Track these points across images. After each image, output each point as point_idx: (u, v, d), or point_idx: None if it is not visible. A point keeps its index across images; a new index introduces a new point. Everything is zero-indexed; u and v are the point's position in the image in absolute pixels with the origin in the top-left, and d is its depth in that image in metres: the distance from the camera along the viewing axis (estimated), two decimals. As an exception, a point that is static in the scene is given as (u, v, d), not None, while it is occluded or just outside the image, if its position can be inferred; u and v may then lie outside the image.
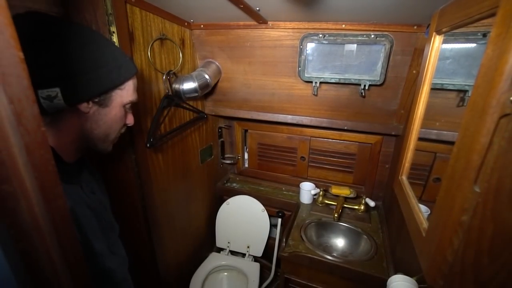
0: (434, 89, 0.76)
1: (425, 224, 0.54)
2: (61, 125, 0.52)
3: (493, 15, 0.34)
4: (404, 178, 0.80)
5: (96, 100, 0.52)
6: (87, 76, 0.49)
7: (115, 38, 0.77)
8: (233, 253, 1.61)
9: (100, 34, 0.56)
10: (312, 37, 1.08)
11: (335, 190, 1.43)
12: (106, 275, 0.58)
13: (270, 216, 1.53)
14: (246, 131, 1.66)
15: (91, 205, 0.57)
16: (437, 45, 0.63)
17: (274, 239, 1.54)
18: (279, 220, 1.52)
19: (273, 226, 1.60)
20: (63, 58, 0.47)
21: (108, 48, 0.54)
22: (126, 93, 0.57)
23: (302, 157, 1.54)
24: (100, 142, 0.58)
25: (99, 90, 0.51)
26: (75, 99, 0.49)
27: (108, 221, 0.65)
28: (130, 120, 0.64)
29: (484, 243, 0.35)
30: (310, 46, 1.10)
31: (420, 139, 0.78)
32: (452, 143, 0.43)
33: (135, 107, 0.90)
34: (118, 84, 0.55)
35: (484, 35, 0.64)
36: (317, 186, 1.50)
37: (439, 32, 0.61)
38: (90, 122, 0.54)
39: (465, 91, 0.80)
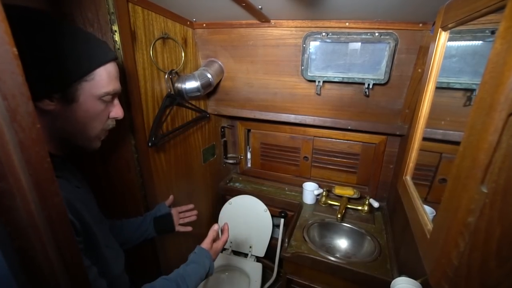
0: (440, 88, 0.74)
1: (429, 226, 0.53)
2: None
3: (501, 8, 0.32)
4: (408, 178, 0.79)
5: (57, 96, 0.47)
6: (37, 71, 0.44)
7: (117, 37, 0.77)
8: (235, 253, 1.60)
9: (62, 22, 0.49)
10: (315, 36, 1.07)
11: (338, 190, 1.42)
12: (104, 267, 0.58)
13: (272, 216, 1.52)
14: (249, 130, 1.65)
15: (81, 199, 0.55)
16: (443, 42, 0.62)
17: (277, 239, 1.53)
18: (282, 220, 1.51)
19: (275, 226, 1.59)
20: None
21: (67, 37, 0.47)
22: (97, 84, 0.50)
23: (305, 157, 1.52)
24: (79, 140, 0.53)
25: (55, 86, 0.46)
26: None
27: (98, 215, 0.64)
28: (116, 113, 0.56)
29: (491, 246, 0.34)
30: (313, 45, 1.09)
31: (425, 139, 0.76)
32: (459, 143, 0.42)
33: (137, 106, 0.91)
34: (80, 75, 0.48)
35: (493, 32, 0.62)
36: (320, 186, 1.48)
37: (444, 28, 0.60)
38: (59, 120, 0.49)
39: (472, 90, 0.78)
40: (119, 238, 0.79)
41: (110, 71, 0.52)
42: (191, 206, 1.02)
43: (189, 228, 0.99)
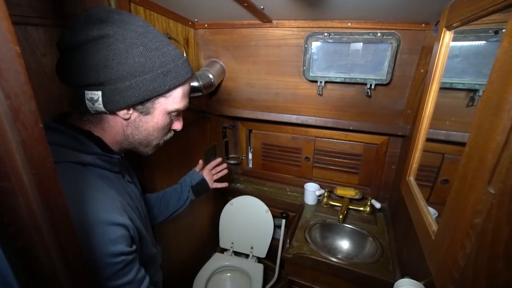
0: (443, 88, 0.74)
1: (434, 227, 0.53)
2: (104, 126, 0.52)
3: (509, 6, 0.32)
4: (412, 179, 0.78)
5: (137, 107, 0.50)
6: (127, 83, 0.46)
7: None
8: (236, 253, 1.60)
9: (152, 30, 0.50)
10: (317, 36, 1.06)
11: (340, 191, 1.41)
12: (152, 260, 0.59)
13: (274, 217, 1.52)
14: (250, 131, 1.65)
15: (130, 193, 0.58)
16: (447, 41, 0.61)
17: (278, 240, 1.53)
18: (283, 221, 1.51)
19: (277, 227, 1.59)
20: (107, 62, 0.45)
21: (157, 51, 0.48)
22: (172, 101, 0.53)
23: (306, 157, 1.52)
24: (141, 146, 0.57)
25: (139, 99, 0.48)
26: (113, 106, 0.47)
27: (143, 210, 0.66)
28: (177, 126, 0.60)
29: (499, 247, 0.34)
30: (315, 45, 1.09)
31: (428, 139, 0.76)
32: (461, 144, 0.42)
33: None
34: (161, 92, 0.50)
35: (496, 32, 0.61)
36: (321, 187, 1.48)
37: (449, 28, 0.59)
38: (131, 127, 0.53)
39: (476, 91, 0.77)
40: (166, 212, 0.89)
41: (185, 89, 0.55)
42: (219, 159, 1.04)
43: (225, 184, 1.04)
